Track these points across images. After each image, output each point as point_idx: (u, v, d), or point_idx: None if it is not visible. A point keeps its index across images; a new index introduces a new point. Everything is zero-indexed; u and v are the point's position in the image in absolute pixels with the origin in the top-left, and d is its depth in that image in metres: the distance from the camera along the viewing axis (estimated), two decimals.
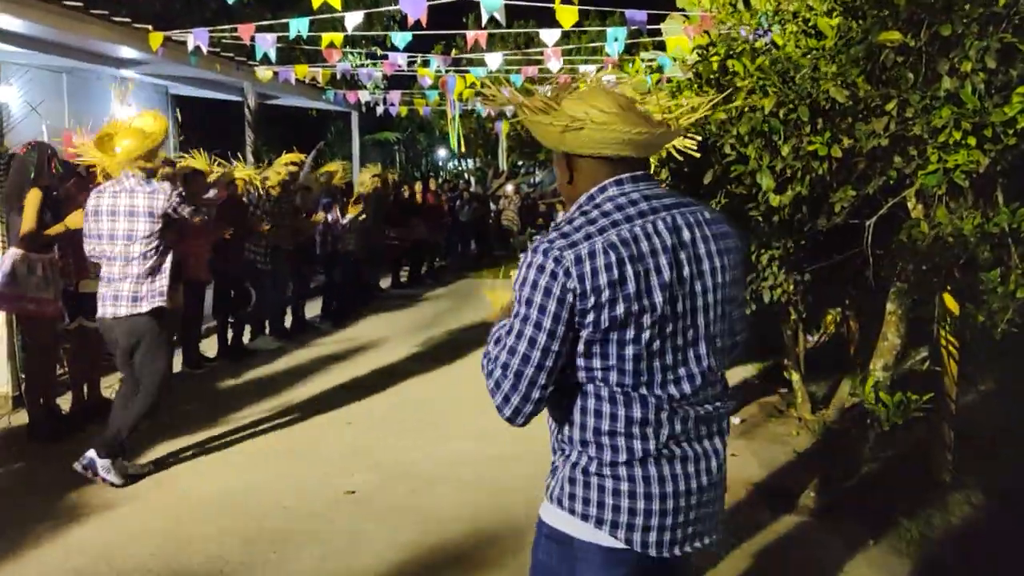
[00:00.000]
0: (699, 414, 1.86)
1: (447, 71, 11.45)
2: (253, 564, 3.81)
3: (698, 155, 2.86)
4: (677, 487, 1.82)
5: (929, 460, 4.58)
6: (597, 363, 1.79)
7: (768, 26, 4.48)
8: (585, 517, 1.81)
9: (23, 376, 5.93)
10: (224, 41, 9.57)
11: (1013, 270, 3.36)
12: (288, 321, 9.34)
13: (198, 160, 7.51)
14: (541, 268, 1.75)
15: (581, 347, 1.79)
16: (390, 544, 4.00)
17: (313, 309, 10.01)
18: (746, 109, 4.09)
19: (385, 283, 12.94)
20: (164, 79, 12.14)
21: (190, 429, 5.81)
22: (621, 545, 1.80)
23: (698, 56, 4.48)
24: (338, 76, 11.77)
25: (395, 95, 14.00)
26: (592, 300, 1.73)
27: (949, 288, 3.82)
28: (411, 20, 6.68)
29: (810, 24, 4.15)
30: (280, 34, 8.35)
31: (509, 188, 19.04)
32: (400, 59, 10.35)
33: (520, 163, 26.42)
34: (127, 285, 4.69)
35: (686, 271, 1.80)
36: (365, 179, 11.41)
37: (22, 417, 5.70)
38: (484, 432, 5.42)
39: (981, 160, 3.23)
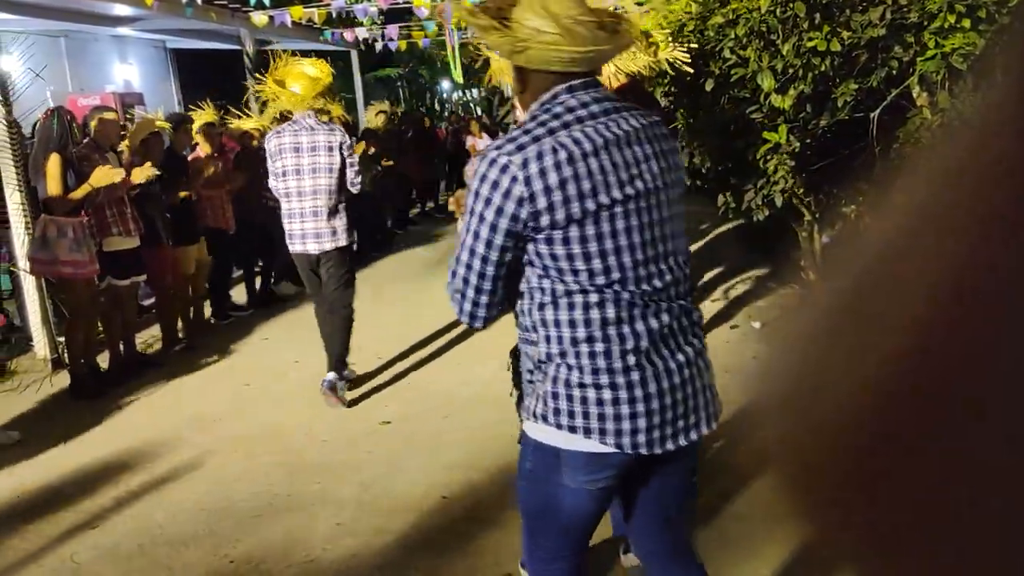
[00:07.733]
0: (672, 309, 1.86)
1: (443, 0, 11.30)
2: (299, 494, 4.00)
3: (691, 70, 2.85)
4: (660, 386, 1.82)
5: None
6: (565, 264, 1.79)
7: None
8: (572, 429, 1.82)
9: (61, 339, 6.12)
10: None
11: None
12: None
13: (206, 114, 7.52)
14: (484, 178, 1.78)
15: (545, 250, 1.79)
16: (430, 466, 4.16)
17: None
18: (743, 11, 4.07)
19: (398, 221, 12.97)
20: (161, 33, 12.12)
21: (227, 374, 6.02)
22: (610, 449, 1.83)
23: None
24: (334, 15, 11.66)
25: (393, 30, 13.83)
26: (544, 201, 1.74)
27: None
28: None
29: None
30: None
31: (519, 114, 18.80)
32: None
33: None
34: (324, 220, 4.99)
35: (643, 168, 1.82)
36: (371, 116, 11.40)
37: (62, 378, 5.90)
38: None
39: (977, 42, 3.23)
